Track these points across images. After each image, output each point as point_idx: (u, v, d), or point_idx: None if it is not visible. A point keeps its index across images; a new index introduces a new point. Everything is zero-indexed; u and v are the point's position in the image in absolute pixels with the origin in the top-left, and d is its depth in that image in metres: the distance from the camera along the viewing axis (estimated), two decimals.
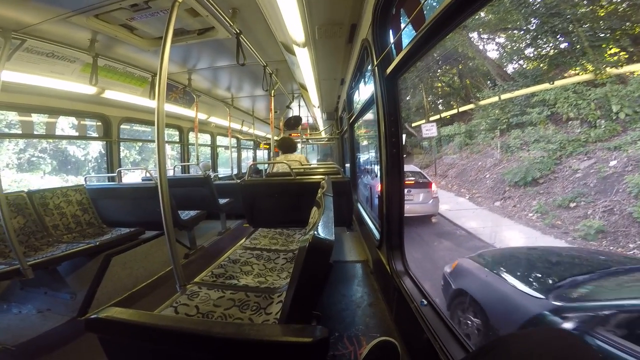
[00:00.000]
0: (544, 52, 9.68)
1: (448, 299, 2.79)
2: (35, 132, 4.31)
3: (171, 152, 9.28)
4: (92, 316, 0.85)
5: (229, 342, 0.75)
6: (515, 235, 6.60)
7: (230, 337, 0.75)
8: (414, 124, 14.45)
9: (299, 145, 8.74)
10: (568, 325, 1.80)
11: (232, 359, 0.79)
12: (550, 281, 2.26)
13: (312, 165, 5.15)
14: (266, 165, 4.36)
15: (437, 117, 14.04)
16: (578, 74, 7.95)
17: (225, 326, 0.87)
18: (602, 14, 7.59)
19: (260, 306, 1.39)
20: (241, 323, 1.25)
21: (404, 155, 1.95)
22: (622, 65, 6.97)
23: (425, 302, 1.48)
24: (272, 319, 1.27)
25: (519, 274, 2.43)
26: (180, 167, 5.67)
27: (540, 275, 2.46)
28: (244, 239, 2.53)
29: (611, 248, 5.06)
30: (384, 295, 2.17)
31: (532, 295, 2.05)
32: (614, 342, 1.52)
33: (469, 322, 2.44)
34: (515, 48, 11.04)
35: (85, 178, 3.36)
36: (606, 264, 2.54)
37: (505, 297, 2.20)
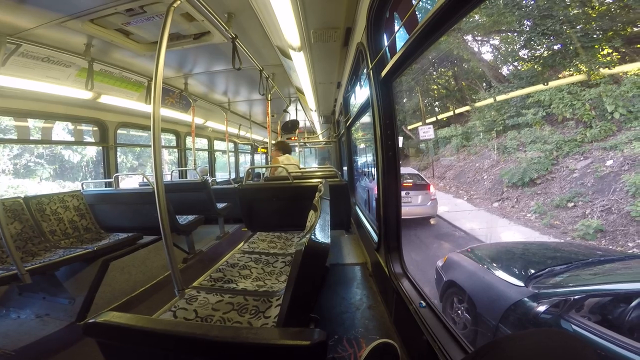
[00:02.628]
0: (537, 53, 9.79)
1: (440, 290, 2.97)
2: (31, 138, 4.30)
3: (169, 157, 9.28)
4: (91, 321, 0.84)
5: (226, 345, 0.75)
6: (513, 235, 6.62)
7: (228, 340, 0.75)
8: (410, 127, 14.50)
9: (297, 149, 8.78)
10: (541, 308, 1.98)
11: None
12: (531, 271, 2.44)
13: (309, 169, 5.16)
14: (263, 169, 4.40)
15: (434, 119, 14.11)
16: (572, 75, 8.03)
17: (223, 330, 0.87)
18: (593, 15, 7.68)
19: (259, 310, 1.39)
20: (239, 327, 1.25)
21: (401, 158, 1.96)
22: (614, 66, 7.04)
23: (424, 304, 1.48)
24: (271, 323, 1.27)
25: (503, 265, 2.63)
26: (177, 172, 5.67)
27: (521, 266, 2.67)
28: (242, 243, 2.53)
29: (610, 247, 5.08)
30: (383, 297, 2.17)
31: (513, 284, 2.25)
32: (581, 323, 1.77)
33: (459, 311, 2.61)
34: (509, 50, 11.15)
35: (82, 184, 3.35)
36: (583, 257, 2.75)
37: (490, 285, 2.40)
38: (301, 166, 6.62)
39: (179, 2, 1.55)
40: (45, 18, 2.08)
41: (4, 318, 2.28)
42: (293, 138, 8.01)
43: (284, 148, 4.05)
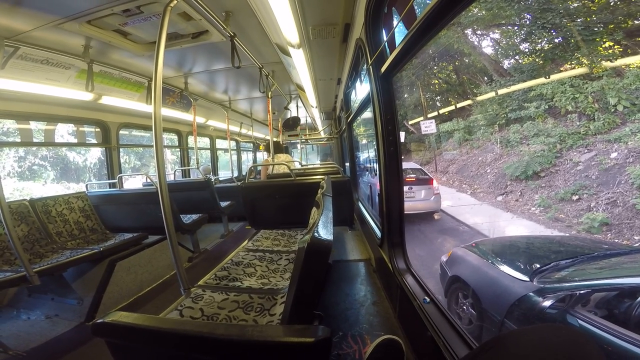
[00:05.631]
0: (538, 47, 9.69)
1: (445, 285, 2.95)
2: (34, 140, 4.32)
3: (171, 156, 9.31)
4: (99, 321, 0.86)
5: (232, 343, 0.76)
6: (518, 230, 6.59)
7: (233, 338, 0.76)
8: (412, 122, 14.43)
9: (299, 146, 8.78)
10: (546, 302, 1.97)
11: None
12: (536, 265, 2.41)
13: (311, 166, 5.16)
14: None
15: (435, 113, 14.04)
16: (574, 68, 7.95)
17: (229, 328, 0.88)
18: (594, 9, 7.59)
19: (264, 307, 1.40)
20: (244, 325, 1.26)
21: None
22: (616, 59, 6.96)
23: (428, 300, 1.48)
24: (276, 320, 1.28)
25: (507, 260, 2.59)
26: (180, 171, 5.69)
27: (526, 261, 2.64)
28: (246, 241, 2.54)
29: (616, 240, 5.04)
30: (387, 293, 2.17)
31: (518, 279, 2.23)
32: (587, 318, 1.75)
33: (464, 306, 2.60)
34: (510, 43, 11.04)
35: (87, 185, 3.38)
36: (589, 250, 2.73)
37: (495, 280, 2.38)
38: (303, 163, 6.63)
39: (175, 1, 1.54)
40: (41, 20, 2.08)
41: (15, 319, 2.32)
42: (294, 135, 8.00)
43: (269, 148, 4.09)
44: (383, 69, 1.78)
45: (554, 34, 8.86)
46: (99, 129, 3.89)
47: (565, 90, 7.79)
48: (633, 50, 6.82)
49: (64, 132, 8.47)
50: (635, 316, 1.69)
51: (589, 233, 5.41)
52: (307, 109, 6.97)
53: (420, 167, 8.89)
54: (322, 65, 3.52)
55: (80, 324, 2.20)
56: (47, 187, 10.78)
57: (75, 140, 5.82)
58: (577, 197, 6.28)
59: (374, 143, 2.30)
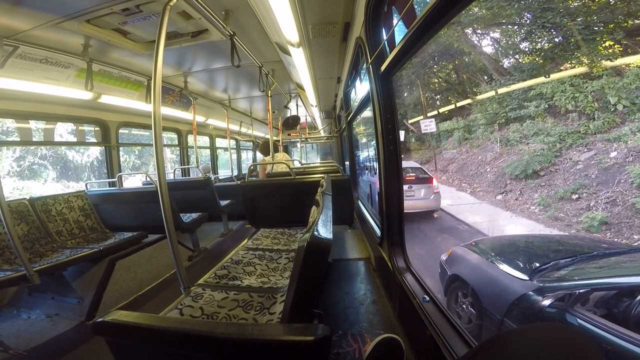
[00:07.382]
0: (538, 46, 9.67)
1: (444, 284, 2.95)
2: (34, 139, 4.32)
3: (171, 155, 9.30)
4: (99, 320, 0.86)
5: (232, 342, 0.76)
6: (517, 228, 6.60)
7: (233, 337, 0.76)
8: (412, 120, 14.42)
9: (298, 145, 8.79)
10: (546, 301, 1.97)
11: (236, 359, 0.80)
12: (535, 264, 2.41)
13: (311, 165, 5.17)
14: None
15: (435, 112, 14.02)
16: (574, 67, 7.94)
17: (229, 327, 0.88)
18: (594, 8, 7.58)
19: (263, 306, 1.40)
20: (244, 323, 1.26)
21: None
22: (616, 58, 6.95)
23: (428, 298, 1.48)
24: (275, 319, 1.28)
25: (507, 258, 2.60)
26: (180, 170, 5.69)
27: (526, 260, 2.64)
28: (246, 240, 2.54)
29: (615, 239, 5.04)
30: (386, 292, 2.17)
31: (517, 277, 2.23)
32: (587, 317, 1.75)
33: (464, 305, 2.60)
34: (510, 43, 11.02)
35: (86, 184, 3.37)
36: (588, 250, 2.72)
37: (495, 279, 2.38)
38: (303, 162, 6.64)
39: (175, 0, 1.54)
40: (40, 19, 2.08)
41: (15, 318, 2.32)
42: (294, 134, 8.00)
43: (267, 148, 4.09)
44: (383, 67, 1.78)
45: (554, 33, 8.84)
46: (98, 128, 3.89)
47: (565, 90, 7.78)
48: (633, 49, 6.82)
49: (63, 131, 8.45)
50: (634, 315, 1.69)
51: (589, 232, 5.41)
52: (307, 108, 6.97)
53: (420, 165, 8.89)
54: (322, 64, 3.52)
55: (80, 323, 2.20)
56: (46, 186, 10.76)
57: (75, 139, 5.82)
58: (576, 196, 6.28)
59: (374, 142, 2.30)
